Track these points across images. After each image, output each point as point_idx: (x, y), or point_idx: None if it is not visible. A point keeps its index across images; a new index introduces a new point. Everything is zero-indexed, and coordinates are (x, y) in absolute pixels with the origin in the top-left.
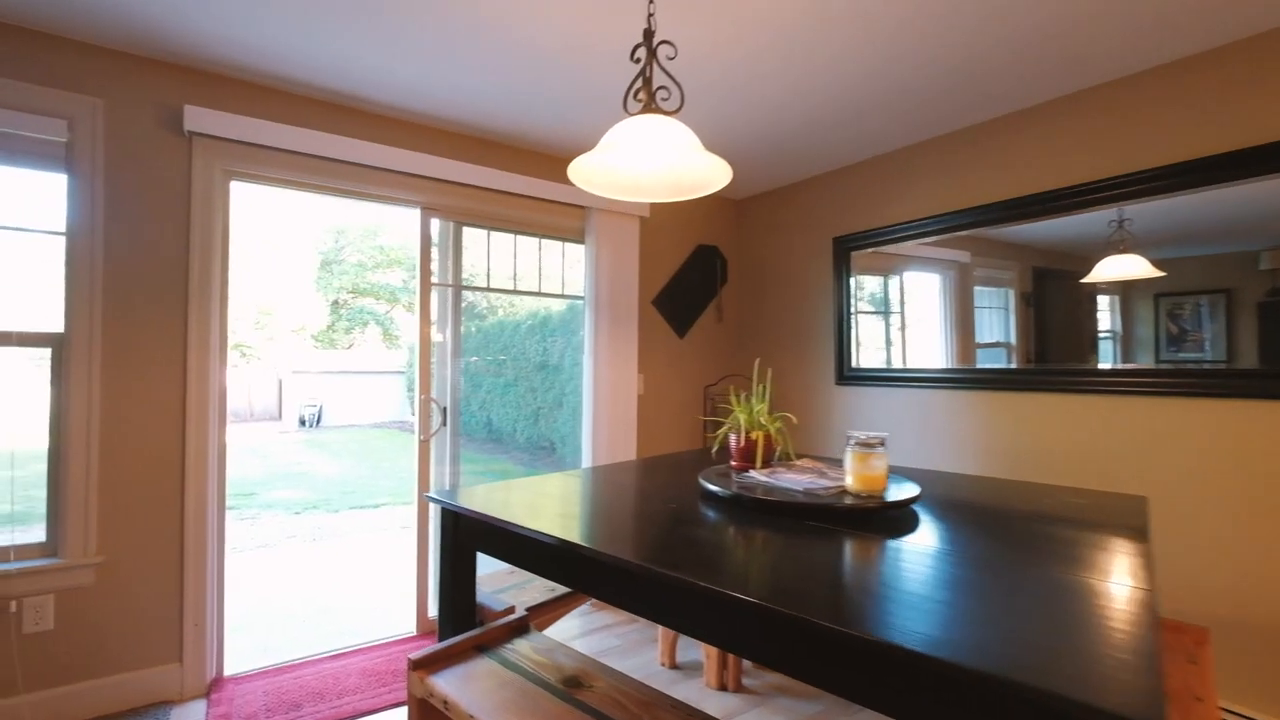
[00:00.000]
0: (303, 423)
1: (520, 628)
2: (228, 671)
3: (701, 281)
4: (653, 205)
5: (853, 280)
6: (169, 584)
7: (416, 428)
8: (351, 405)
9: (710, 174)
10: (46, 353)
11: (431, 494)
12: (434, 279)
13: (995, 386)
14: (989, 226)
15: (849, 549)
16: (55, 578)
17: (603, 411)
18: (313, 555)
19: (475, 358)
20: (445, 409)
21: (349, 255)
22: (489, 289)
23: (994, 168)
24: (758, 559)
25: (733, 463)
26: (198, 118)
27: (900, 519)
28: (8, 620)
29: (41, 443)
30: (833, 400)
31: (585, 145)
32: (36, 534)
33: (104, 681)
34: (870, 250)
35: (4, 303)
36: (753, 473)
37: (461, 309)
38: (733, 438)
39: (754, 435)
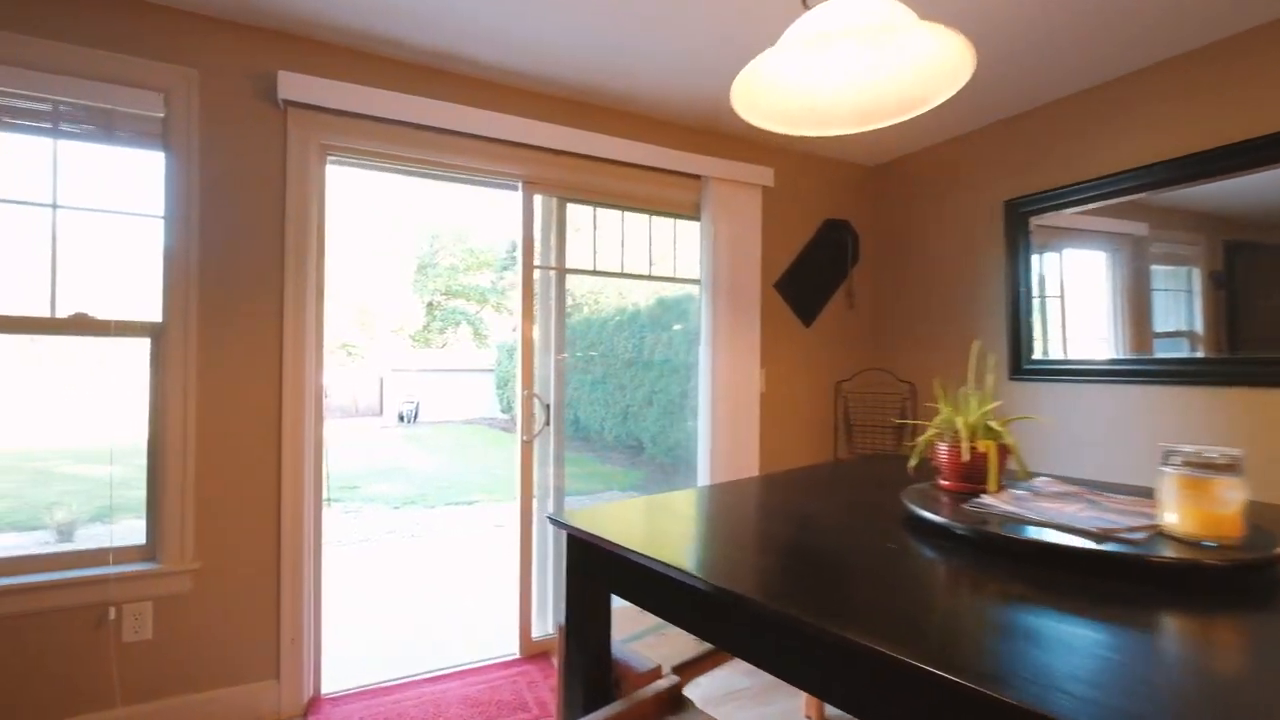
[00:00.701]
0: (401, 419)
1: (674, 700)
2: (325, 689)
3: (830, 261)
4: (777, 173)
5: (1033, 254)
6: (266, 594)
7: (518, 427)
8: (445, 402)
9: (940, 70)
10: (145, 343)
11: (555, 516)
12: (536, 262)
13: (1200, 381)
14: (1188, 184)
15: (1191, 630)
16: (154, 584)
17: (722, 411)
18: (411, 552)
19: (563, 354)
20: (549, 406)
21: (442, 259)
22: (595, 272)
23: (1216, 103)
24: (1100, 653)
25: (943, 482)
26: (292, 85)
27: (1255, 583)
28: (107, 628)
29: (137, 438)
30: (1007, 398)
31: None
32: (136, 534)
33: (200, 697)
34: (1033, 220)
35: (105, 290)
36: (986, 498)
37: (565, 297)
38: (944, 449)
39: (981, 447)
